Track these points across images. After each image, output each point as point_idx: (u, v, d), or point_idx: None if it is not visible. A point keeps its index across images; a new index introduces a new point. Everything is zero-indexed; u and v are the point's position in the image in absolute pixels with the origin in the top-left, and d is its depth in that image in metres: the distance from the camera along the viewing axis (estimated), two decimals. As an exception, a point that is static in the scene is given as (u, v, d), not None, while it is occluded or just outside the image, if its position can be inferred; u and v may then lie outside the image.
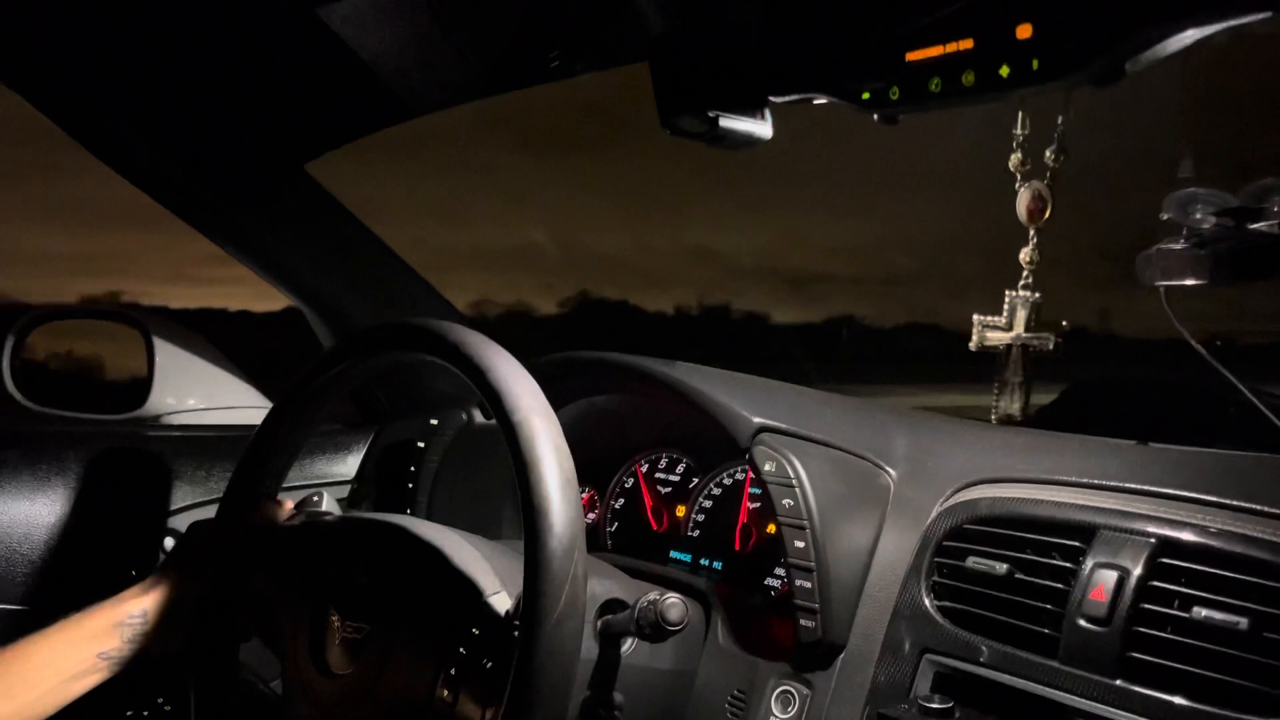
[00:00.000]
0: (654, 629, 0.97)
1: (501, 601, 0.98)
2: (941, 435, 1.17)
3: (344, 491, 1.56)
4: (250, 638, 1.15)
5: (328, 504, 1.20)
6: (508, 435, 0.90)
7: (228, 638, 1.15)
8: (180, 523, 1.44)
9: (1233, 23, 0.59)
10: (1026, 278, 0.81)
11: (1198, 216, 1.01)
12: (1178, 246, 0.92)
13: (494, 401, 0.93)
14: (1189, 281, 0.92)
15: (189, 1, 1.19)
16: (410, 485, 1.48)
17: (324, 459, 1.56)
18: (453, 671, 0.92)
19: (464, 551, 1.05)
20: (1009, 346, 0.82)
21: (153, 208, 1.40)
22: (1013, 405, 0.83)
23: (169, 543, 1.44)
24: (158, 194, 1.37)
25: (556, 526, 0.86)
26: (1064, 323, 0.81)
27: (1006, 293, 0.82)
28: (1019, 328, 0.82)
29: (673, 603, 0.97)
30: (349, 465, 1.57)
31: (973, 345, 0.84)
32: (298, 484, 1.52)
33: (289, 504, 1.19)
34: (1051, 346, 0.81)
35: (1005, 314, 0.82)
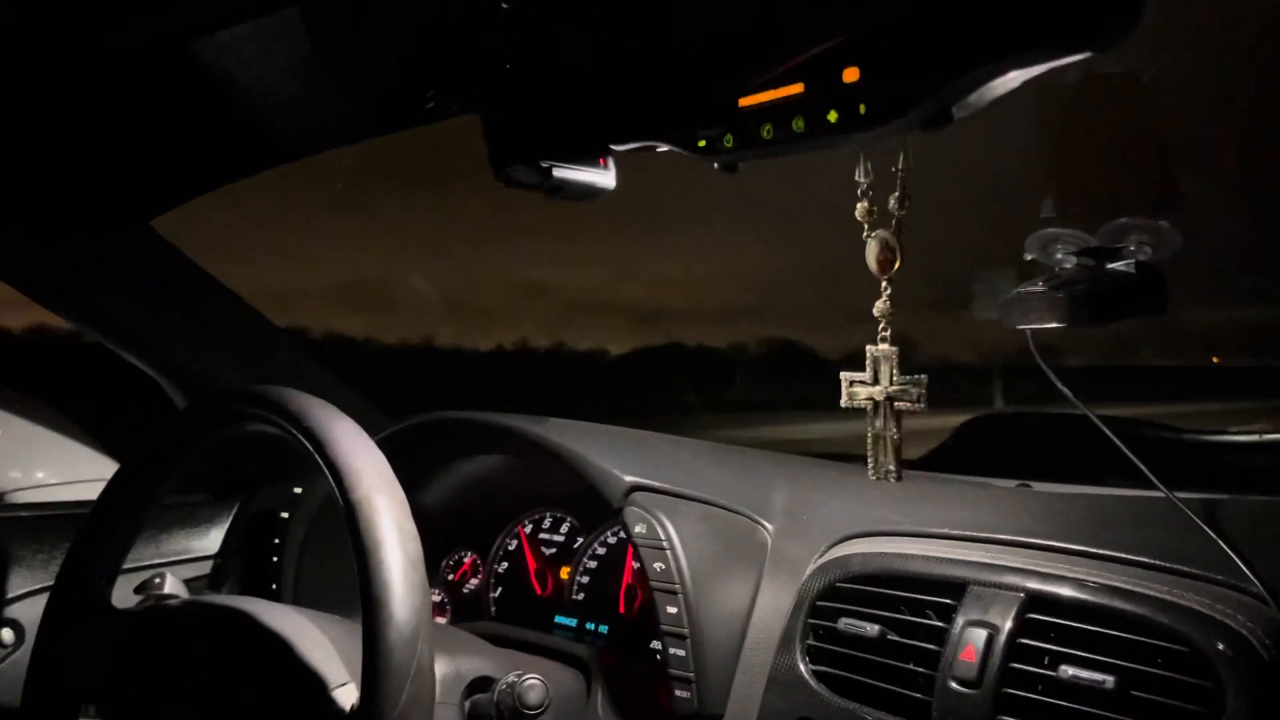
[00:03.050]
0: (514, 714, 0.91)
1: (348, 695, 0.90)
2: (820, 485, 1.14)
3: (206, 568, 1.46)
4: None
5: (171, 585, 1.11)
6: (347, 515, 0.85)
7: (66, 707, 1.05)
8: (18, 612, 1.32)
9: (1054, 64, 0.57)
10: (884, 330, 0.78)
11: (1059, 256, 1.01)
12: (1037, 290, 0.91)
13: (334, 477, 0.87)
14: (1050, 324, 0.90)
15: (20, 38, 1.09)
16: (275, 560, 1.39)
17: (184, 534, 1.46)
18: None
19: (312, 638, 0.97)
20: (876, 403, 0.79)
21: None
22: (889, 462, 0.79)
23: (6, 634, 1.32)
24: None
25: (397, 615, 0.80)
26: (924, 376, 0.78)
27: (868, 348, 0.79)
28: (884, 382, 0.79)
29: (531, 684, 0.91)
30: (211, 540, 1.47)
31: (843, 403, 0.80)
32: (154, 562, 1.42)
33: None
34: (920, 403, 0.78)
35: (869, 369, 0.79)
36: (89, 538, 1.08)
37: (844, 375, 0.81)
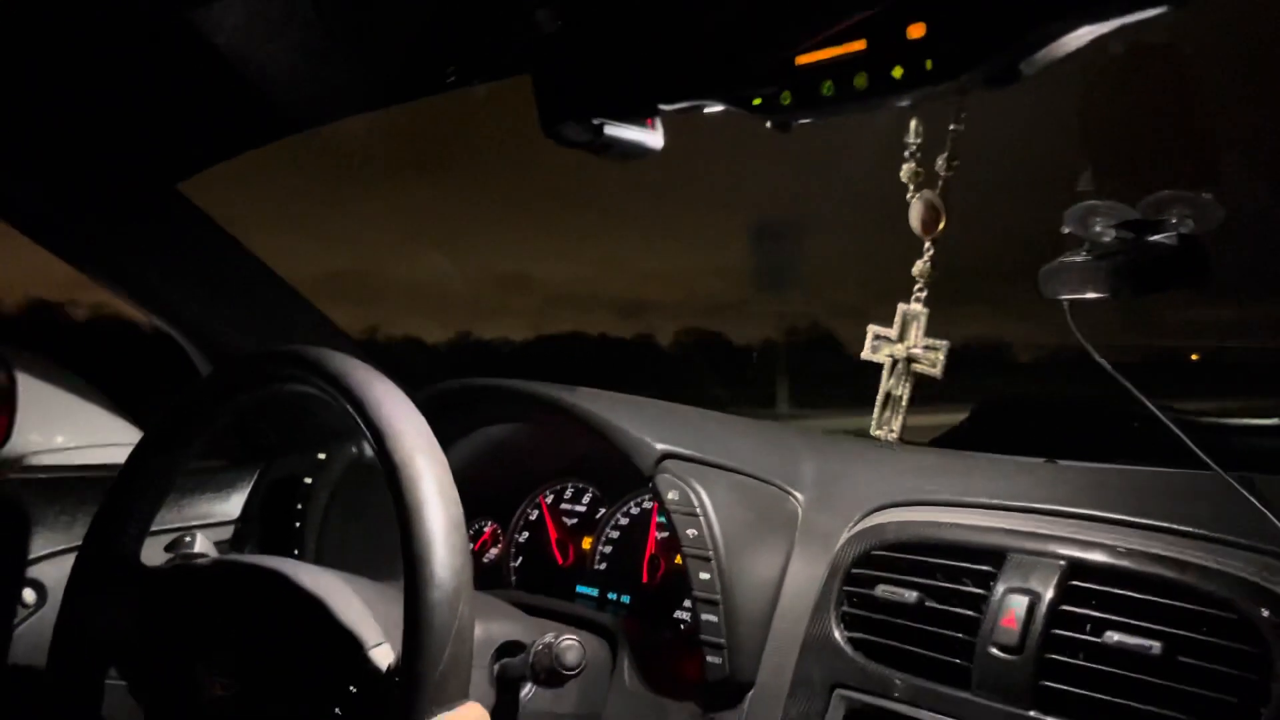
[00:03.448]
0: (550, 674, 0.91)
1: (384, 655, 0.90)
2: (849, 458, 1.14)
3: (227, 532, 1.45)
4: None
5: (201, 545, 1.10)
6: (389, 476, 0.84)
7: (93, 670, 1.05)
8: (40, 572, 1.32)
9: (1128, 19, 0.57)
10: (920, 290, 0.78)
11: (1098, 229, 1.00)
12: (1078, 260, 0.91)
13: (376, 438, 0.86)
14: (1090, 295, 0.90)
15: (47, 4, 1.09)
16: (298, 524, 1.39)
17: (205, 498, 1.46)
18: (328, 734, 0.85)
19: (347, 599, 0.97)
20: (895, 360, 0.79)
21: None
22: (894, 420, 0.79)
23: (28, 595, 1.32)
24: (7, 213, 1.26)
25: (439, 575, 0.80)
26: (946, 342, 0.78)
27: (900, 305, 0.78)
28: (910, 340, 0.79)
29: (569, 645, 0.91)
30: (233, 504, 1.46)
31: (864, 354, 0.80)
32: (176, 526, 1.41)
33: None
34: (937, 369, 0.78)
35: (897, 327, 0.79)
36: (121, 494, 1.07)
37: (871, 328, 0.81)
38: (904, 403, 0.78)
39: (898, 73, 0.64)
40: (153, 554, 1.09)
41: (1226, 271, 0.88)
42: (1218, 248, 0.88)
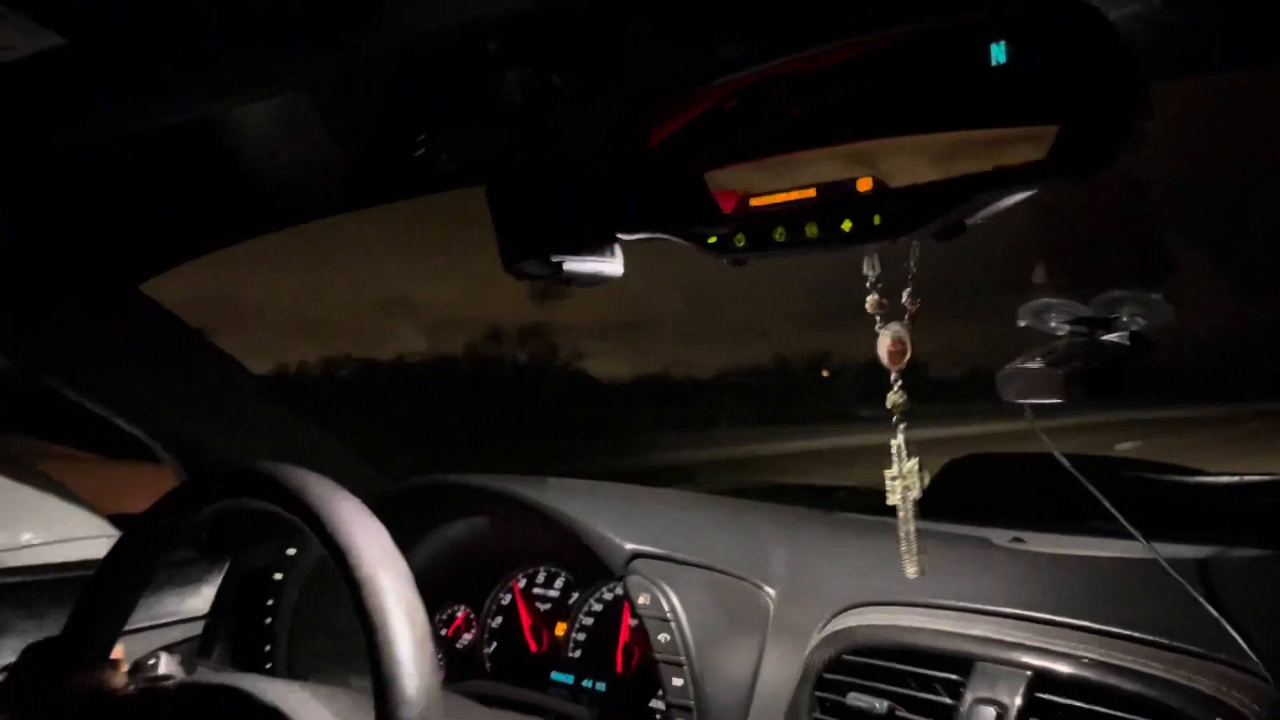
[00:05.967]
0: None
1: (355, 775, 0.90)
2: (821, 548, 1.15)
3: (197, 629, 1.44)
4: None
5: (166, 666, 1.09)
6: (353, 593, 0.84)
7: None
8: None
9: (1073, 180, 0.59)
10: (900, 422, 0.79)
11: (1052, 324, 1.03)
12: (1034, 366, 0.92)
13: (336, 556, 0.86)
14: (1046, 400, 0.92)
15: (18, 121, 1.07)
16: (269, 621, 1.38)
17: (174, 594, 1.44)
18: None
19: (315, 714, 0.96)
20: (906, 495, 0.80)
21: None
22: (916, 558, 0.80)
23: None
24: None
25: (408, 694, 0.80)
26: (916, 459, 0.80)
27: (892, 443, 0.80)
28: (905, 468, 0.80)
29: None
30: (202, 599, 1.45)
31: (889, 501, 0.82)
32: (144, 625, 1.40)
33: (123, 668, 1.08)
34: (915, 492, 0.79)
35: (897, 463, 0.80)
36: (82, 618, 1.06)
37: (888, 474, 0.82)
38: (913, 532, 0.80)
39: (847, 226, 0.65)
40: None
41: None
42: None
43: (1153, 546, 0.89)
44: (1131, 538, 0.94)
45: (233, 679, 1.04)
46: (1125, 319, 0.97)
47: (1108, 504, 0.96)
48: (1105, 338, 0.97)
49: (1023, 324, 1.04)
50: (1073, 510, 1.16)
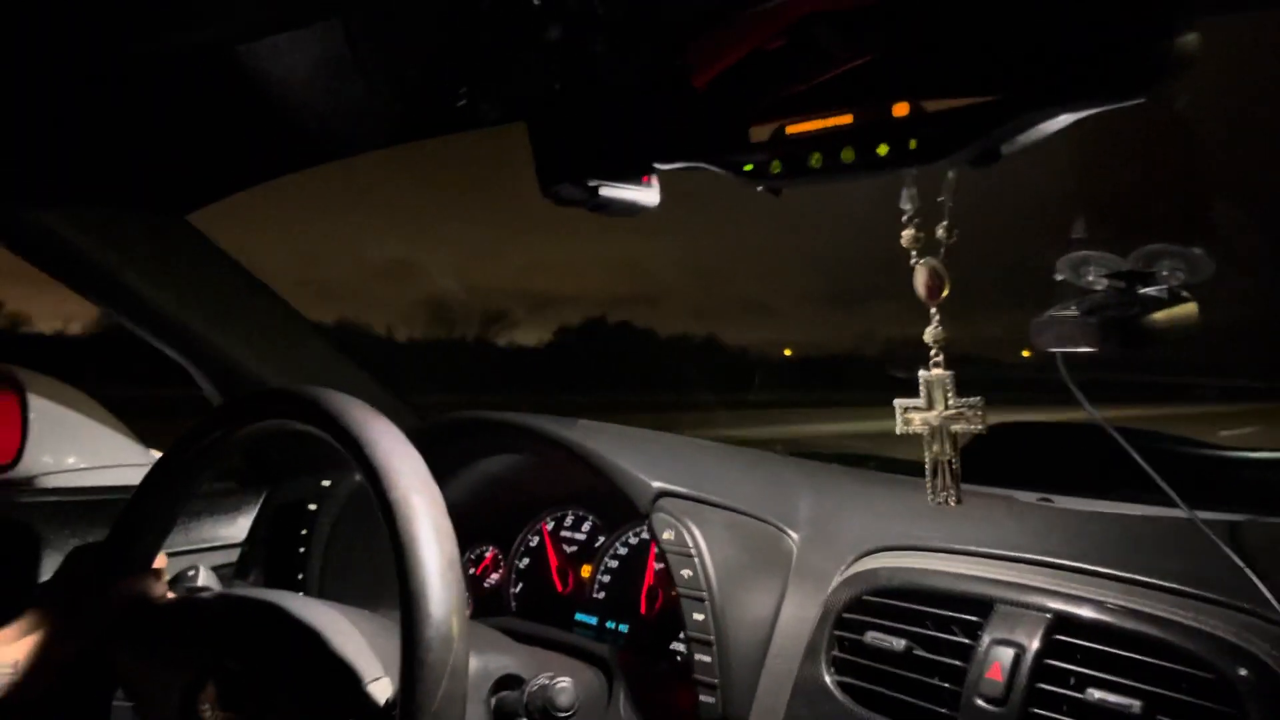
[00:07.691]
0: (543, 715, 0.93)
1: (382, 689, 0.92)
2: (846, 496, 1.15)
3: (233, 555, 1.48)
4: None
5: (204, 578, 1.13)
6: (385, 515, 0.86)
7: (99, 692, 1.07)
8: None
9: (1104, 108, 0.58)
10: (936, 356, 0.79)
11: (1090, 278, 1.01)
12: (1069, 313, 0.91)
13: (371, 477, 0.88)
14: (1080, 349, 0.91)
15: (62, 36, 1.10)
16: (302, 550, 1.41)
17: (212, 521, 1.48)
18: (327, 769, 0.87)
19: (346, 633, 0.99)
20: (933, 428, 0.80)
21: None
22: (950, 486, 0.80)
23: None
24: (14, 243, 1.27)
25: (434, 613, 0.81)
26: (979, 398, 0.79)
27: (921, 374, 0.80)
28: (940, 407, 0.80)
29: (562, 688, 0.93)
30: (239, 528, 1.49)
31: (898, 430, 0.81)
32: (183, 549, 1.44)
33: (164, 578, 1.12)
34: (981, 424, 0.79)
35: (923, 396, 0.80)
36: (131, 523, 1.10)
37: (898, 403, 0.82)
38: (955, 466, 0.79)
39: (883, 150, 0.65)
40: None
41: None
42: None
43: (1185, 507, 0.89)
44: (1163, 503, 0.93)
45: (267, 594, 1.07)
46: (1165, 273, 0.96)
47: (1140, 459, 0.95)
48: (1143, 290, 0.95)
49: (1059, 278, 1.03)
50: (1105, 478, 1.16)
